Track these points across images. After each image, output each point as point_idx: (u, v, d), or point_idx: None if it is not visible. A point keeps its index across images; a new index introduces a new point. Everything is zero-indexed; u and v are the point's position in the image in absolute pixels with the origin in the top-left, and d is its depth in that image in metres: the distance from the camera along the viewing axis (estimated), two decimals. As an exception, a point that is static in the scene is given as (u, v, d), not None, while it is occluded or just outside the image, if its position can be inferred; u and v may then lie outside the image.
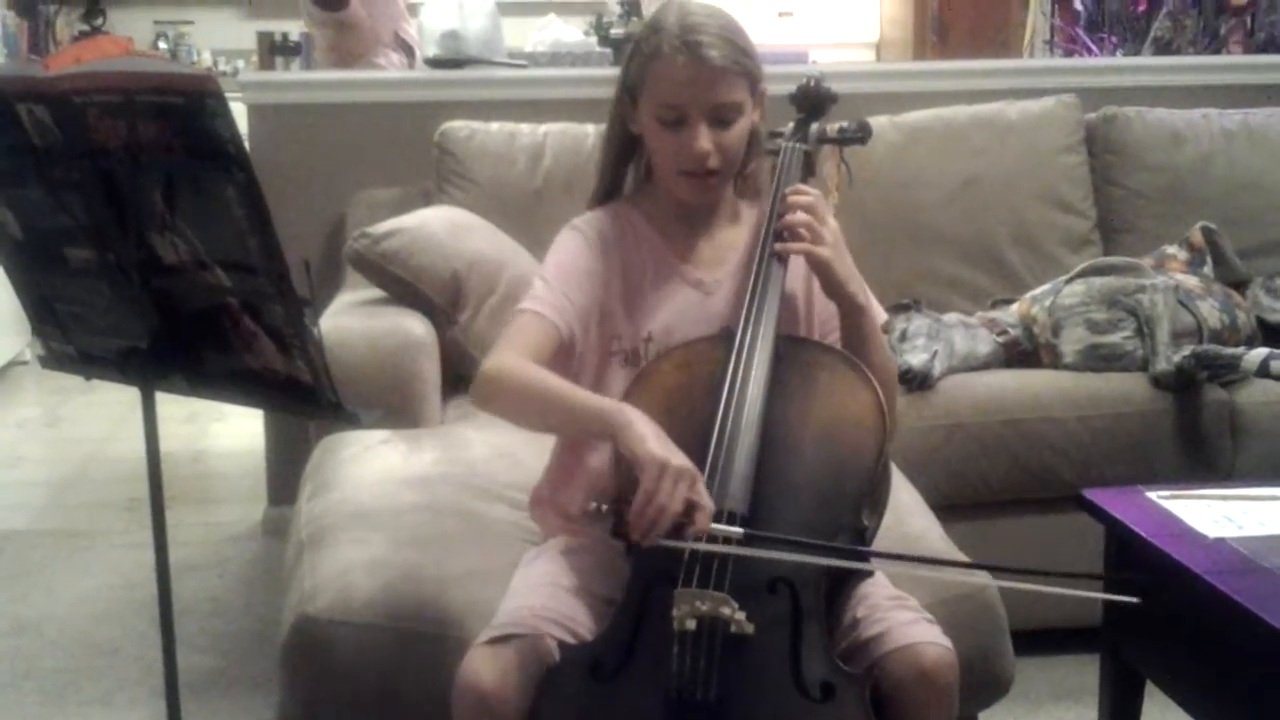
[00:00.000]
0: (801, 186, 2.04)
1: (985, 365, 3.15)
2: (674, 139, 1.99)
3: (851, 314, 2.00)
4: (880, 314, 2.13)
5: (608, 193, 2.14)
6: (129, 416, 5.19)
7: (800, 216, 1.96)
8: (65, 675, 3.10)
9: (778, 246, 1.97)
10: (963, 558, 2.17)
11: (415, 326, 2.88)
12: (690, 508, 1.71)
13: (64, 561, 3.79)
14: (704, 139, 1.96)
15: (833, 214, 2.04)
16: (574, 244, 2.07)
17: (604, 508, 1.76)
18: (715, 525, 1.73)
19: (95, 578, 3.65)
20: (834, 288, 1.99)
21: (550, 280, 2.03)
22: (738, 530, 1.73)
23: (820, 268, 1.97)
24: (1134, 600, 1.75)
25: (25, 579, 3.67)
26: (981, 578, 2.13)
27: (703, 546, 1.72)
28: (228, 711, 2.89)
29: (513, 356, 1.95)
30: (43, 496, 4.54)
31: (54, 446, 5.18)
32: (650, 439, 1.75)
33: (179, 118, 1.65)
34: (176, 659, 2.05)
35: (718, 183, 2.03)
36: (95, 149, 1.74)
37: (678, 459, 1.73)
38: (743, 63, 1.97)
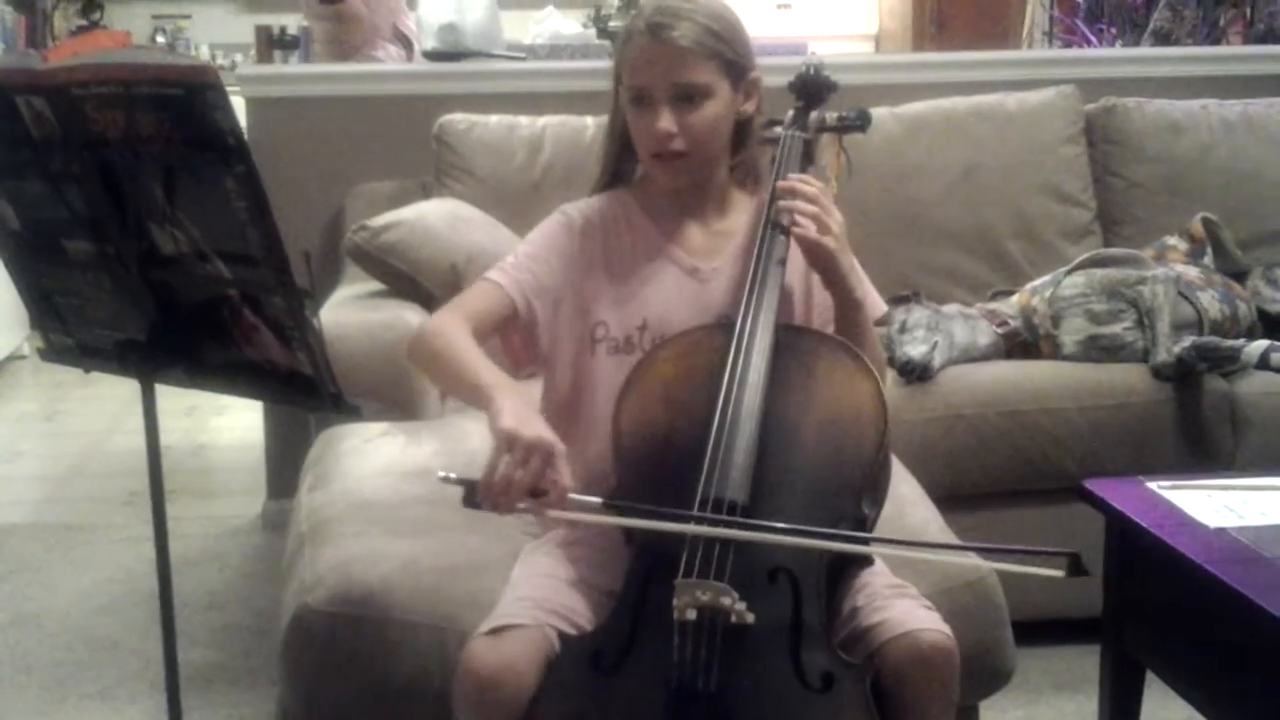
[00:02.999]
0: (805, 176, 2.03)
1: (985, 356, 3.15)
2: (642, 120, 1.99)
3: (848, 307, 2.01)
4: (879, 306, 2.13)
5: (608, 182, 2.14)
6: (127, 411, 5.20)
7: (807, 206, 1.96)
8: (65, 669, 3.10)
9: (796, 232, 1.96)
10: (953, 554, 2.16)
11: (414, 319, 2.87)
12: (552, 484, 1.73)
13: (63, 555, 3.79)
14: (665, 119, 1.96)
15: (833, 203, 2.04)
16: (555, 226, 2.09)
17: (452, 476, 1.76)
18: (574, 496, 1.75)
19: (95, 572, 3.65)
20: (834, 281, 1.99)
21: (519, 255, 2.06)
22: (596, 500, 1.76)
23: (825, 260, 1.97)
24: (1059, 574, 1.71)
25: (25, 573, 3.67)
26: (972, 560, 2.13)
27: (563, 515, 1.76)
28: (228, 705, 2.89)
29: (448, 320, 1.99)
30: (42, 491, 4.54)
31: (53, 441, 5.18)
32: (506, 414, 1.76)
33: (178, 109, 1.65)
34: (177, 653, 2.05)
35: (686, 166, 2.02)
36: (94, 140, 1.74)
37: (531, 433, 1.73)
38: (710, 45, 1.96)
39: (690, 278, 2.06)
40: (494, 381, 1.86)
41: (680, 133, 1.97)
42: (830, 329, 2.03)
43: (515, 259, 2.05)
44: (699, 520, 1.74)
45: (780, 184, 2.01)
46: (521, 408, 1.79)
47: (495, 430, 1.75)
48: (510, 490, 1.72)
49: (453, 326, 1.97)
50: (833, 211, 1.98)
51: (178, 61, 1.75)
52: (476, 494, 1.74)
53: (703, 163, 2.04)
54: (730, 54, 1.99)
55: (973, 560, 1.98)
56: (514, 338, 2.03)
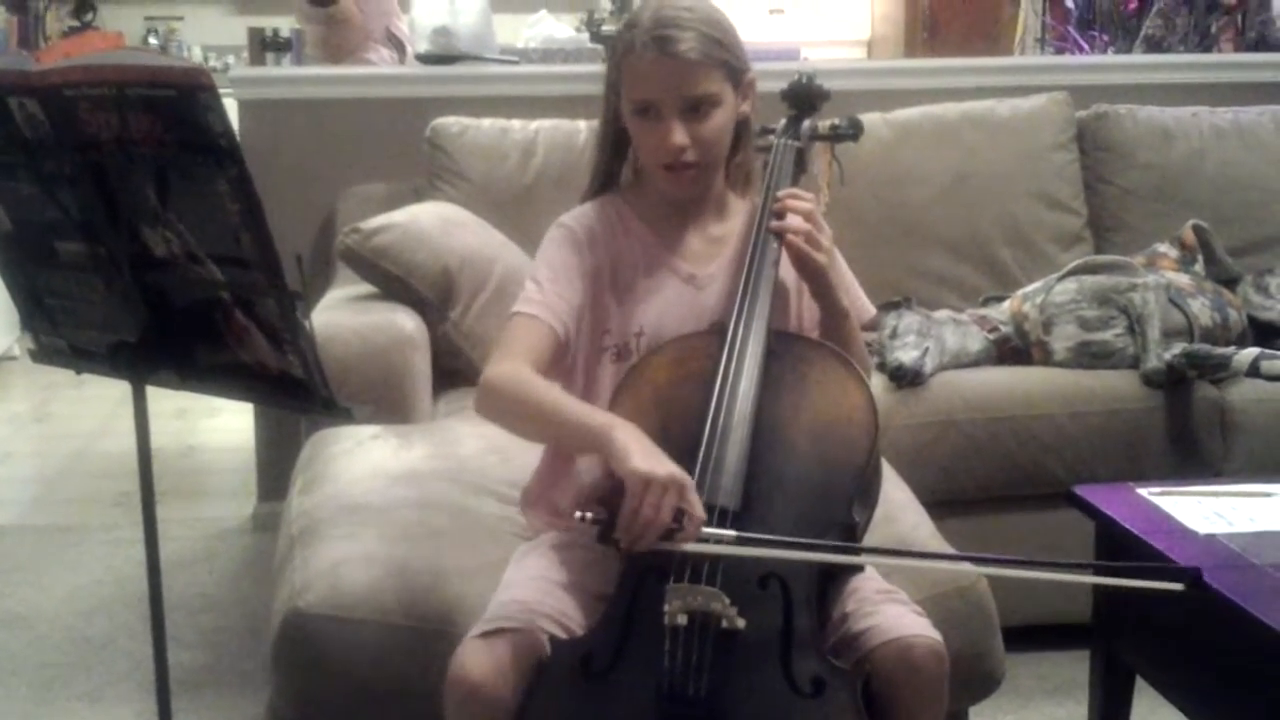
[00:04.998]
0: (798, 190, 2.03)
1: (976, 362, 3.15)
2: (651, 133, 1.99)
3: (834, 317, 2.01)
4: (868, 310, 2.13)
5: (601, 187, 2.14)
6: (118, 412, 5.19)
7: (800, 224, 1.96)
8: (54, 670, 3.09)
9: (788, 241, 1.96)
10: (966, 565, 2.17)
11: (406, 322, 2.88)
12: (681, 515, 1.72)
13: (53, 557, 3.78)
14: (678, 133, 1.96)
15: (824, 211, 2.04)
16: (563, 242, 2.07)
17: (588, 516, 1.76)
18: (707, 529, 1.73)
19: (85, 573, 3.64)
20: (823, 294, 1.99)
21: (543, 281, 2.03)
22: (730, 533, 1.73)
23: (816, 276, 1.97)
24: (1178, 587, 1.71)
25: (14, 574, 3.66)
26: (969, 569, 2.13)
27: (694, 548, 1.72)
28: (217, 707, 2.89)
29: (510, 365, 1.95)
30: (32, 492, 4.53)
31: (43, 442, 5.18)
32: (635, 454, 1.75)
33: (171, 111, 1.65)
34: (167, 654, 2.05)
35: (698, 175, 2.03)
36: (86, 142, 1.73)
37: (664, 470, 1.73)
38: (715, 54, 1.97)
39: (687, 284, 2.06)
40: (606, 421, 1.84)
41: (692, 144, 1.97)
42: (816, 334, 2.04)
43: (540, 286, 2.02)
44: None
45: (776, 204, 2.00)
46: (646, 444, 1.78)
47: (627, 471, 1.73)
48: (650, 529, 1.71)
49: (518, 372, 1.94)
50: (823, 226, 1.99)
51: (171, 63, 1.74)
52: (615, 531, 1.74)
53: (710, 170, 2.04)
54: (732, 60, 1.99)
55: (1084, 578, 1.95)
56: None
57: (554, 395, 1.92)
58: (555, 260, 2.06)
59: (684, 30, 1.94)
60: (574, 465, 2.02)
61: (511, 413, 1.96)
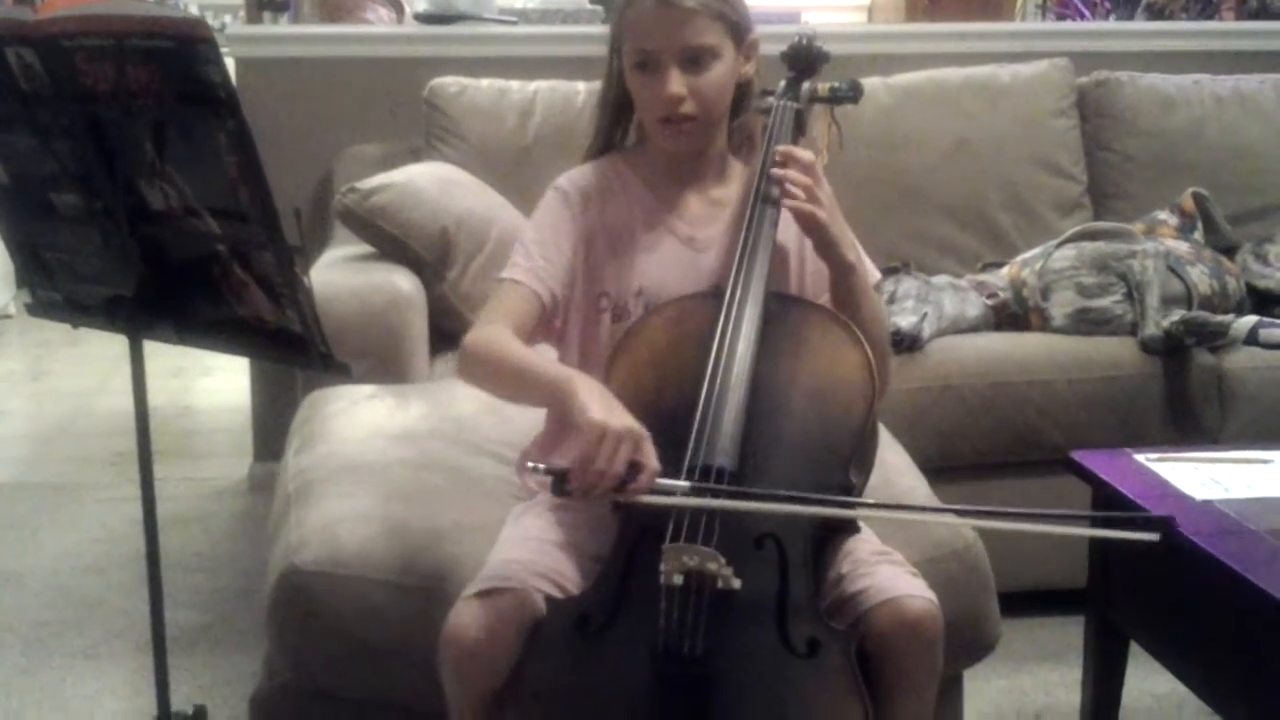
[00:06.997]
0: (795, 148, 2.02)
1: (974, 328, 3.15)
2: (649, 85, 1.98)
3: (843, 273, 2.00)
4: (873, 273, 2.12)
5: (601, 150, 2.13)
6: (114, 370, 5.19)
7: (799, 176, 1.95)
8: (49, 628, 3.10)
9: (786, 203, 1.95)
10: (949, 517, 2.17)
11: (403, 282, 2.87)
12: (636, 468, 1.72)
13: (49, 515, 3.79)
14: (675, 82, 1.96)
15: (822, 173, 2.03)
16: (553, 205, 2.07)
17: (541, 468, 1.76)
18: (661, 481, 1.73)
19: (80, 531, 3.65)
20: (828, 249, 1.98)
21: (530, 246, 2.03)
22: (684, 484, 1.74)
23: (817, 230, 1.96)
24: (1154, 538, 1.69)
25: (10, 532, 3.67)
26: (965, 527, 2.13)
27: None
28: (213, 665, 2.89)
29: (491, 329, 1.96)
30: (27, 450, 4.53)
31: (39, 400, 5.18)
32: (592, 406, 1.75)
33: (169, 62, 1.63)
34: (164, 613, 2.05)
35: (695, 130, 2.02)
36: (84, 94, 1.72)
37: (618, 422, 1.73)
38: (715, 5, 1.96)
39: (686, 246, 2.06)
40: (567, 374, 1.85)
41: (690, 95, 1.96)
42: (826, 295, 2.03)
43: (526, 250, 2.03)
44: (785, 500, 1.73)
45: (779, 149, 2.00)
46: (604, 397, 1.78)
47: (584, 423, 1.73)
48: (604, 480, 1.71)
49: (496, 335, 1.95)
50: (823, 181, 1.98)
51: (170, 14, 1.73)
52: (568, 483, 1.74)
53: (709, 126, 2.03)
54: (734, 15, 1.98)
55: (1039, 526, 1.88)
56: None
57: (524, 353, 1.93)
58: (545, 224, 2.06)
59: None
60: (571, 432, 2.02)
61: (487, 373, 1.97)
